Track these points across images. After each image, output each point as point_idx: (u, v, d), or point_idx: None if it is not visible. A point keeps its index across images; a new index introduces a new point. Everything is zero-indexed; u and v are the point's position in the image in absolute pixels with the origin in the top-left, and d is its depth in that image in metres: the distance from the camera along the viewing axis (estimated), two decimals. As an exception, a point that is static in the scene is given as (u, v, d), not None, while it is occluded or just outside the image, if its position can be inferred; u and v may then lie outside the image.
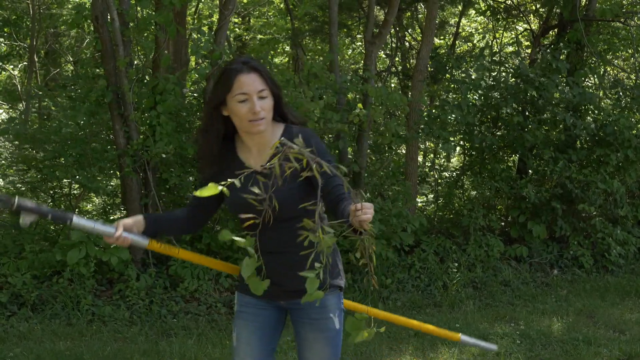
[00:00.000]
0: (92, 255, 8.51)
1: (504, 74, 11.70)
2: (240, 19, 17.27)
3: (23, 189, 10.50)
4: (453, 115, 10.47)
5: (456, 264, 10.20)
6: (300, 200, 3.55)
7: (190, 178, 9.62)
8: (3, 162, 11.31)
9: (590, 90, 11.48)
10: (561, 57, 11.48)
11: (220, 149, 3.73)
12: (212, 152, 3.71)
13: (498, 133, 11.72)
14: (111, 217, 10.51)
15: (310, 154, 3.00)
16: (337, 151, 9.96)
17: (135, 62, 9.41)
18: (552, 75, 11.03)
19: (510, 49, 15.30)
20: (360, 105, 9.37)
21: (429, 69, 11.70)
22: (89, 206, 11.77)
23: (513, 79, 11.48)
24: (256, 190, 3.28)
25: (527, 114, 11.54)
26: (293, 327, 3.88)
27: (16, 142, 10.50)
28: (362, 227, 3.02)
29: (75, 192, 10.50)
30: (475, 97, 11.52)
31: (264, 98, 3.57)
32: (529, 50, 13.76)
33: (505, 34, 15.49)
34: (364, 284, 7.95)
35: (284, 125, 3.73)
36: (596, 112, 11.51)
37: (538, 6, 13.77)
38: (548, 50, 11.82)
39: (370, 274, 3.00)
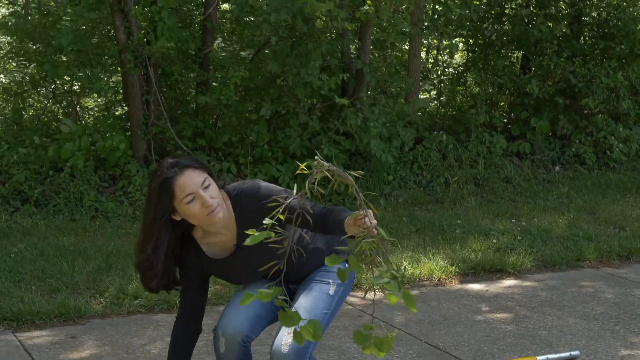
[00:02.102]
0: (85, 148, 8.53)
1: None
2: None
3: (24, 84, 10.45)
4: (458, 10, 10.32)
5: (458, 161, 10.19)
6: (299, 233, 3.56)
7: (192, 74, 9.55)
8: (3, 56, 11.21)
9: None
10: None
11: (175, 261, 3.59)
12: (168, 267, 3.55)
13: (502, 28, 11.58)
14: (113, 114, 10.46)
15: (340, 170, 2.88)
16: (339, 47, 9.85)
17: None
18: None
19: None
20: (369, 1, 9.21)
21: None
22: (90, 102, 11.71)
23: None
24: (279, 231, 3.06)
25: (531, 8, 11.39)
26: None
27: (15, 38, 10.39)
28: (371, 233, 2.91)
29: (76, 87, 10.44)
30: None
31: (208, 187, 3.39)
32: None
33: None
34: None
35: (225, 192, 3.55)
36: (601, 5, 11.39)
37: None
38: None
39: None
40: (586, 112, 11.30)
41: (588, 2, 11.30)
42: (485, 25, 11.38)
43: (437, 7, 10.63)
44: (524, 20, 11.17)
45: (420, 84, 11.40)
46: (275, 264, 2.93)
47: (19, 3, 11.86)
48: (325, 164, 2.77)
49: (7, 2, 12.11)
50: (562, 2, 11.41)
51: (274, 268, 2.95)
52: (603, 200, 9.34)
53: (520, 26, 11.21)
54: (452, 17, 10.25)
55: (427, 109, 11.90)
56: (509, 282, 6.60)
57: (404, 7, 9.73)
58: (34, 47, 9.98)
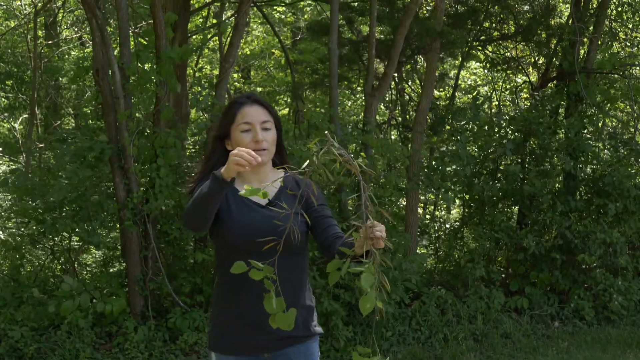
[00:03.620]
0: (85, 306, 8.49)
1: (504, 125, 11.78)
2: (240, 73, 17.37)
3: (23, 241, 10.50)
4: (453, 167, 10.50)
5: (456, 317, 10.14)
6: (304, 235, 3.56)
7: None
8: (3, 213, 11.31)
9: (590, 142, 11.51)
10: (559, 108, 11.62)
11: None
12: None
13: (497, 184, 11.74)
14: (110, 270, 10.47)
15: (348, 156, 3.01)
16: (337, 203, 9.95)
17: (137, 115, 9.43)
18: (549, 119, 11.18)
19: (509, 100, 15.36)
20: (363, 154, 9.37)
21: (428, 121, 11.74)
22: (88, 258, 11.74)
23: (513, 132, 11.56)
24: (284, 206, 3.30)
25: (525, 165, 11.58)
26: None
27: (14, 196, 10.51)
28: (378, 246, 2.99)
29: (74, 243, 10.48)
30: (475, 149, 11.60)
31: (267, 130, 3.57)
32: (527, 103, 13.84)
33: (504, 86, 15.53)
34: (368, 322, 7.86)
35: (284, 172, 3.66)
36: (595, 162, 11.56)
37: (537, 58, 13.85)
38: (546, 97, 11.99)
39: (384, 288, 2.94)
40: (584, 267, 11.31)
41: (582, 159, 11.48)
42: (478, 182, 11.52)
43: (433, 162, 10.81)
44: (518, 176, 11.33)
45: (418, 239, 11.46)
46: (274, 239, 3.17)
47: (19, 161, 12.04)
48: (336, 144, 2.82)
49: (7, 160, 12.30)
50: (556, 158, 11.59)
51: (272, 242, 3.18)
52: (603, 356, 9.25)
53: (515, 182, 11.36)
54: (448, 172, 10.40)
55: (425, 265, 11.92)
56: None
57: (399, 164, 9.89)
58: (33, 204, 10.07)
